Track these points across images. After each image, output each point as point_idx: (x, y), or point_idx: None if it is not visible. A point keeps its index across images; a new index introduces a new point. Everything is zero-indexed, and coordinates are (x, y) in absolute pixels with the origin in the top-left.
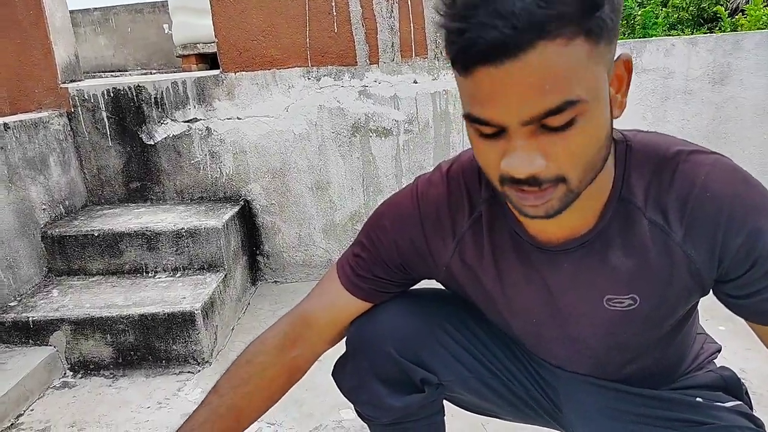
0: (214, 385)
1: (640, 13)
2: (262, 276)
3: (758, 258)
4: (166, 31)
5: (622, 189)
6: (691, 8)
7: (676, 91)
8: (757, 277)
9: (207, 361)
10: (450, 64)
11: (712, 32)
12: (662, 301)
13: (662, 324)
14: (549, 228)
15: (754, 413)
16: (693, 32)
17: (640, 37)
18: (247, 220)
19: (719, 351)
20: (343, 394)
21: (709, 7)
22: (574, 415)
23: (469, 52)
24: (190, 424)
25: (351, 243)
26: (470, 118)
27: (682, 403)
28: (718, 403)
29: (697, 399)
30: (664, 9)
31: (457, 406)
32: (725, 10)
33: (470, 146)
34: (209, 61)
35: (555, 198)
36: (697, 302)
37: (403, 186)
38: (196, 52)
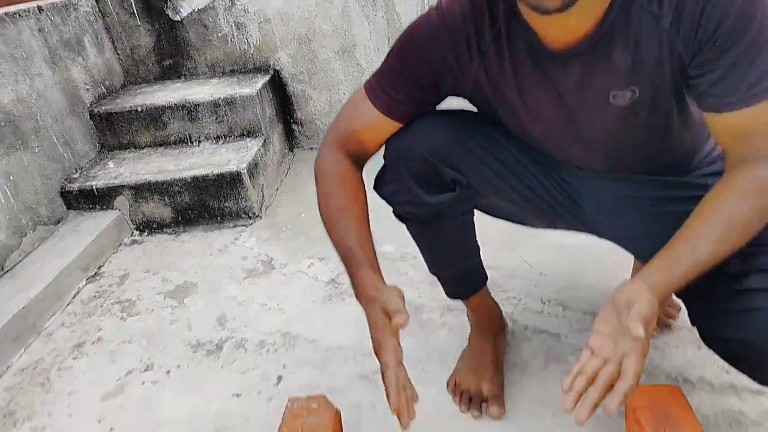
0: (333, 206)
1: None
2: (298, 143)
3: (719, 36)
4: None
5: None
6: None
7: None
8: (713, 54)
9: (257, 215)
10: None
11: None
12: (656, 90)
13: (663, 114)
14: (559, 31)
15: None
16: None
17: None
18: (278, 89)
19: None
20: (384, 199)
21: None
22: (594, 210)
23: None
24: (355, 237)
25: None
26: None
27: (696, 185)
28: None
29: (709, 182)
30: None
31: (487, 213)
32: None
33: None
34: None
35: None
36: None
37: None
38: None
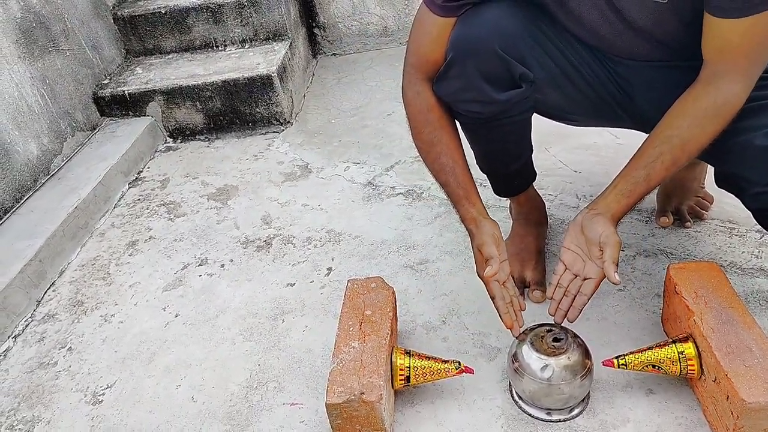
0: (425, 140)
1: None
2: (321, 49)
3: None
4: None
5: None
6: None
7: None
8: None
9: (288, 122)
10: None
11: None
12: None
13: (698, 12)
14: None
15: None
16: None
17: None
18: None
19: None
20: (447, 98)
21: None
22: (645, 100)
23: None
24: (452, 169)
25: (405, 5)
26: None
27: None
28: None
29: None
30: None
31: (540, 112)
32: None
33: None
34: None
35: None
36: None
37: None
38: None
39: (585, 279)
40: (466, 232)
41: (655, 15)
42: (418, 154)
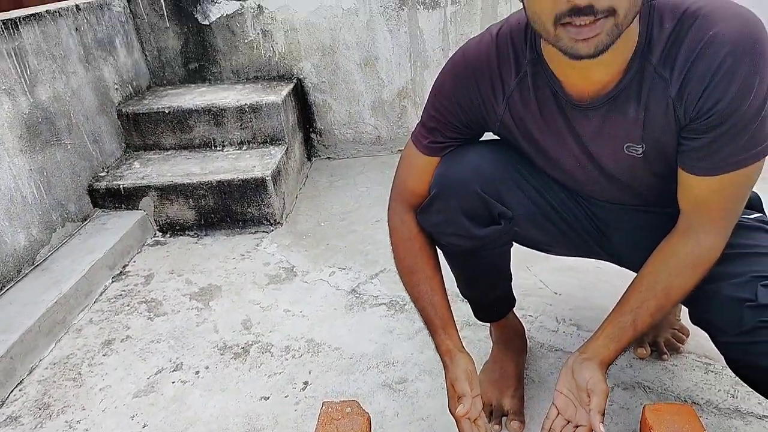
0: (405, 268)
1: None
2: (316, 153)
3: (713, 114)
4: None
5: (645, 46)
6: None
7: None
8: (703, 127)
9: (278, 222)
10: None
11: None
12: (662, 146)
13: (672, 163)
14: (582, 83)
15: None
16: None
17: None
18: (301, 98)
19: None
20: (429, 229)
21: None
22: (619, 239)
23: None
24: (430, 299)
25: (398, 118)
26: None
27: None
28: (744, 216)
29: None
30: None
31: (520, 243)
32: None
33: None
34: None
35: (604, 32)
36: None
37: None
38: None
39: (577, 426)
40: None
41: (628, 167)
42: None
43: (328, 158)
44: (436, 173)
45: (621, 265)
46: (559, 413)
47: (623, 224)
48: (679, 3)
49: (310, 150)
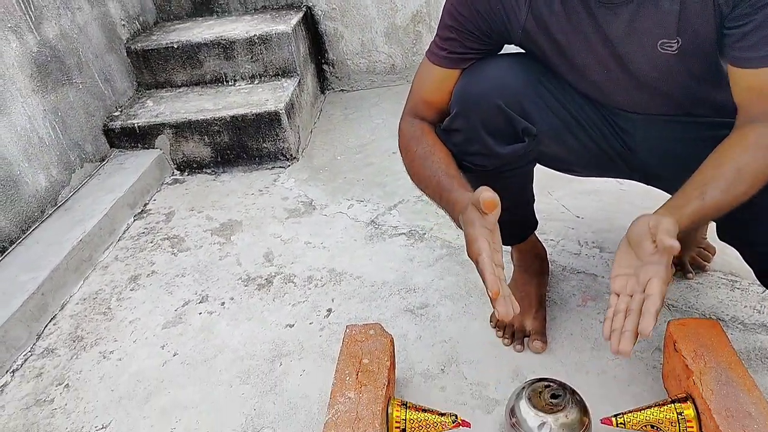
0: (417, 155)
1: None
2: (329, 85)
3: None
4: None
5: None
6: None
7: None
8: (749, 8)
9: (294, 157)
10: None
11: None
12: (701, 40)
13: (709, 60)
14: None
15: None
16: None
17: None
18: (311, 27)
19: None
20: (452, 149)
21: None
22: (646, 153)
23: None
24: (442, 169)
25: (413, 45)
26: None
27: None
28: None
29: None
30: None
31: (543, 163)
32: None
33: None
34: None
35: None
36: None
37: None
38: None
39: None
40: (467, 277)
41: (662, 67)
42: (416, 187)
43: (342, 90)
44: (456, 89)
45: (648, 183)
46: (619, 296)
47: (652, 137)
48: None
49: (323, 82)
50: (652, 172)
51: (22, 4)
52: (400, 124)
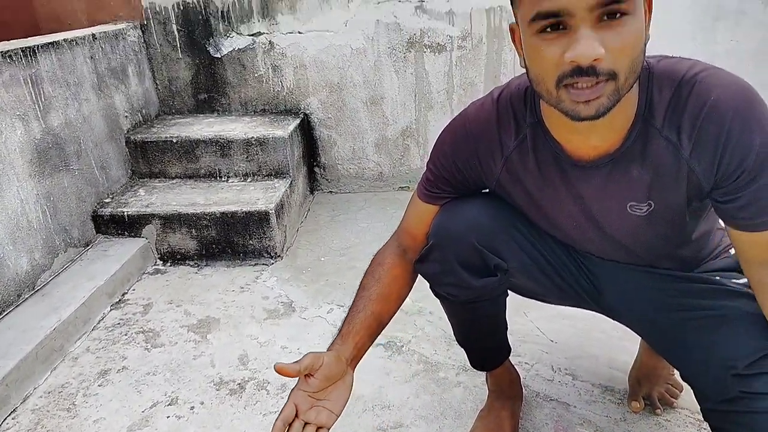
0: (359, 290)
1: None
2: (319, 186)
3: (744, 171)
4: None
5: (645, 111)
6: None
7: (729, 11)
8: (738, 186)
9: (279, 255)
10: None
11: None
12: (671, 207)
13: (676, 224)
14: (583, 147)
15: None
16: None
17: None
18: (306, 132)
19: None
20: (427, 278)
21: None
22: (613, 295)
23: None
24: (354, 311)
25: (401, 156)
26: (539, 16)
27: (703, 280)
28: (734, 280)
29: (716, 277)
30: None
31: (515, 292)
32: None
33: (519, 73)
34: None
35: (605, 95)
36: (709, 206)
37: (454, 101)
38: None
39: None
40: (442, 397)
41: (630, 226)
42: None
43: (331, 192)
44: (434, 223)
45: (614, 320)
46: None
47: (617, 282)
48: (675, 70)
49: (313, 183)
50: (617, 312)
51: (33, 94)
52: (385, 244)
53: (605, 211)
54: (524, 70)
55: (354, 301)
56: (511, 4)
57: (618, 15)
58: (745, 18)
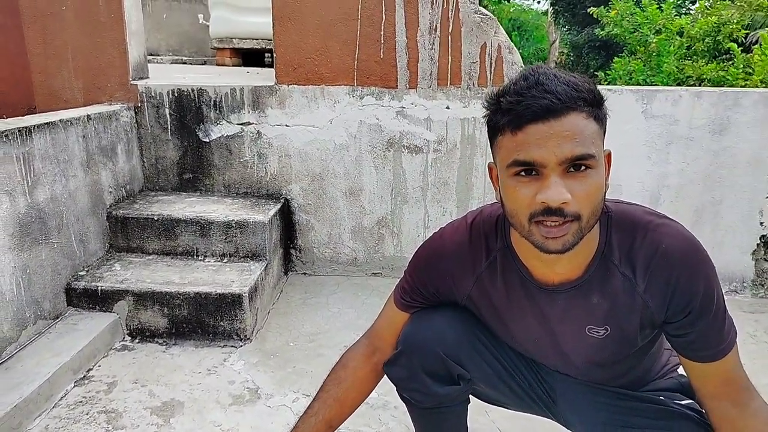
0: (321, 386)
1: (655, 40)
2: (294, 267)
3: (691, 311)
4: (200, 21)
5: (605, 248)
6: (707, 40)
7: (680, 137)
8: (687, 323)
9: (248, 338)
10: (493, 133)
11: (724, 67)
12: (625, 333)
13: (628, 348)
14: (549, 273)
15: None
16: (707, 63)
17: (653, 65)
18: (286, 216)
19: (679, 364)
20: (394, 382)
21: (724, 41)
22: (566, 407)
23: (524, 114)
24: (308, 414)
25: (376, 244)
26: (516, 163)
27: (649, 400)
28: (676, 401)
29: (661, 397)
30: (679, 39)
31: (478, 398)
32: (740, 46)
33: (493, 201)
34: (242, 56)
35: (570, 233)
36: (660, 332)
37: (428, 198)
38: (231, 47)
39: None
40: None
41: (587, 347)
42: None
43: (305, 273)
44: (403, 331)
45: (567, 429)
46: None
47: (570, 394)
48: (632, 215)
49: (287, 264)
50: (569, 422)
51: (23, 171)
52: (357, 340)
53: (565, 332)
54: (498, 202)
55: (312, 402)
56: (491, 146)
57: (583, 168)
58: (693, 143)
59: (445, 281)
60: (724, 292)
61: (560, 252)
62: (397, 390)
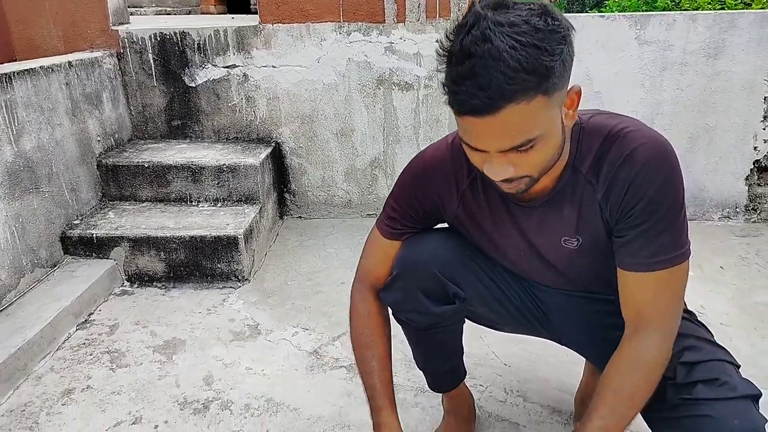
0: (357, 357)
1: None
2: (288, 211)
3: (635, 212)
4: None
5: (575, 160)
6: None
7: (674, 62)
8: (627, 226)
9: (246, 279)
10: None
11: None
12: (596, 239)
13: (602, 254)
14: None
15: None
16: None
17: (648, 0)
18: (277, 160)
19: None
20: (391, 306)
21: None
22: (557, 319)
23: (461, 107)
24: (377, 381)
25: (369, 185)
26: (462, 140)
27: None
28: None
29: None
30: None
31: (472, 320)
32: None
33: None
34: (226, 2)
35: (522, 185)
36: None
37: (420, 136)
38: None
39: None
40: (401, 417)
41: (565, 258)
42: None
43: (300, 217)
44: (398, 255)
45: (561, 344)
46: None
47: (562, 307)
48: (604, 125)
49: (282, 209)
50: (561, 333)
51: (6, 118)
52: (352, 291)
53: (543, 244)
54: None
55: (369, 364)
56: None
57: (526, 148)
58: (687, 69)
59: (431, 200)
60: (717, 217)
61: (515, 195)
62: (393, 314)
